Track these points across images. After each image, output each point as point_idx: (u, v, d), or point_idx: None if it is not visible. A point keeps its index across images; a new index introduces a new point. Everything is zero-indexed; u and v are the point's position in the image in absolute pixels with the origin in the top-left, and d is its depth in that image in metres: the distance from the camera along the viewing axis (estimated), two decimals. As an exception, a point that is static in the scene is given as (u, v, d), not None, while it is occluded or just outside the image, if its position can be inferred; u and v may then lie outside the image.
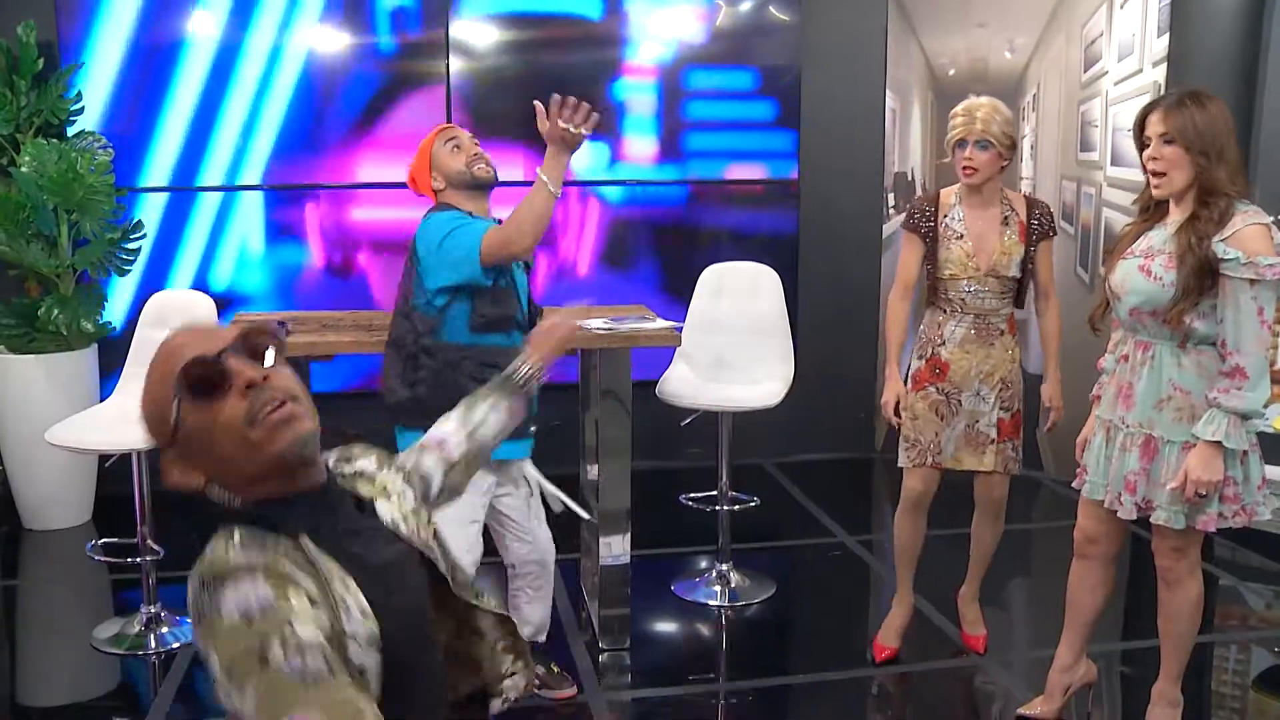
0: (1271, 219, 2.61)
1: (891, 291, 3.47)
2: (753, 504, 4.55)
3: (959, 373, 3.36)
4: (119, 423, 3.84)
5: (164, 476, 1.48)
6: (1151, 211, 2.81)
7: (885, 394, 3.42)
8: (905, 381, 3.44)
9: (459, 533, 2.90)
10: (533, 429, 3.03)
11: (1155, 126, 2.66)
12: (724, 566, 4.13)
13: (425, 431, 2.92)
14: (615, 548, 3.59)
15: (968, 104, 3.30)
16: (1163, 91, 4.46)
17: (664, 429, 4.45)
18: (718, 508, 4.15)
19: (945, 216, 3.37)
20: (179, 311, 4.18)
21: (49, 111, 4.63)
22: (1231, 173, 2.62)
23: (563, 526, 3.39)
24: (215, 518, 1.44)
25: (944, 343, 3.38)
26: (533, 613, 3.28)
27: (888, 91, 5.46)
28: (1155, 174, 2.69)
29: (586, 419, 3.82)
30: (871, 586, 4.28)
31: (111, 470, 3.95)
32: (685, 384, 4.05)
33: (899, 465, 3.47)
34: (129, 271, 4.87)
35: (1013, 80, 5.34)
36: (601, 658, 3.58)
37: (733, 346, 4.25)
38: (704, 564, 4.29)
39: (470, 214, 2.93)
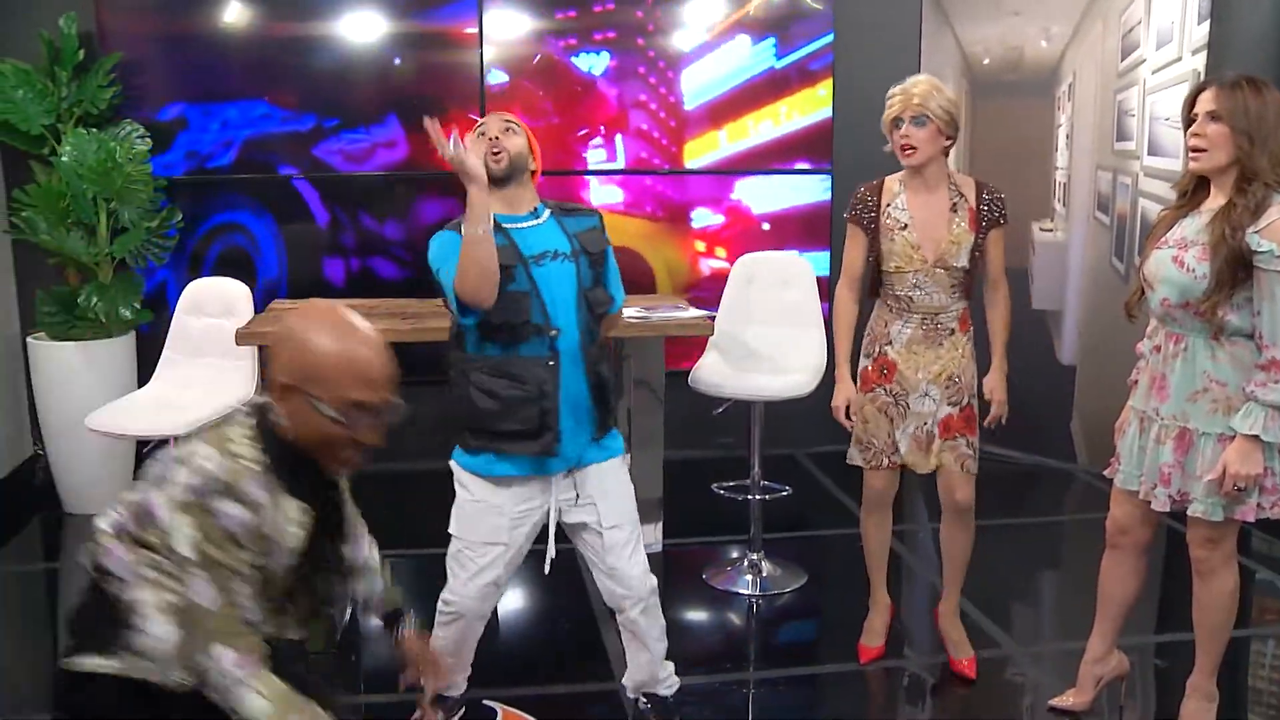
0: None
1: (838, 284, 3.34)
2: (785, 493, 4.56)
3: (906, 374, 3.22)
4: (158, 408, 3.90)
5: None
6: (1188, 197, 2.78)
7: (835, 397, 3.28)
8: (854, 381, 3.31)
9: (470, 554, 2.76)
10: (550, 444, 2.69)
11: (1205, 104, 2.65)
12: (755, 556, 4.14)
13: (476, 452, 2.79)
14: (647, 536, 3.60)
15: (905, 82, 3.13)
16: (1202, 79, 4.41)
17: (696, 418, 4.46)
18: (750, 497, 4.16)
19: (888, 206, 3.18)
20: (215, 299, 4.24)
21: (89, 102, 4.68)
22: (1273, 162, 2.59)
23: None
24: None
25: (890, 342, 3.24)
26: (633, 657, 2.99)
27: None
28: (1196, 150, 2.66)
29: (620, 408, 3.83)
30: (903, 577, 4.27)
31: (150, 455, 3.99)
32: (718, 373, 4.05)
33: (848, 462, 3.38)
34: (165, 260, 4.94)
35: (1048, 69, 5.29)
36: (633, 645, 3.60)
37: (765, 336, 4.25)
38: (735, 553, 4.30)
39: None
